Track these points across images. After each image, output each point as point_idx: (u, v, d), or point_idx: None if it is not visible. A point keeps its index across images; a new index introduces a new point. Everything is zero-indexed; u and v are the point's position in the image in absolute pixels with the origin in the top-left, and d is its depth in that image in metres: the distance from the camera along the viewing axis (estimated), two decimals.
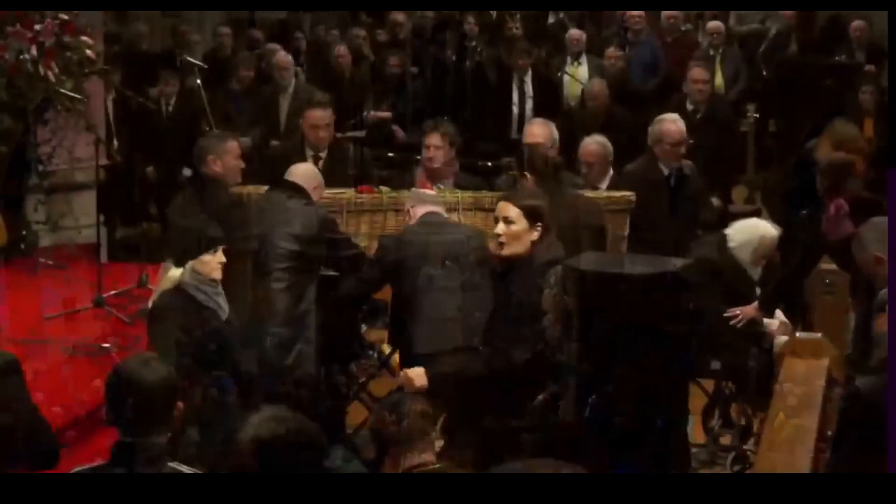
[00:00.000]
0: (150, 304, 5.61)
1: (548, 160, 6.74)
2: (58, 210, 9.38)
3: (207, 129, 8.53)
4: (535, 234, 5.28)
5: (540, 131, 7.39)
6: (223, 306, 5.49)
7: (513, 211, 5.30)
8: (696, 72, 9.87)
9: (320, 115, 7.62)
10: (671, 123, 7.76)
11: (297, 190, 6.29)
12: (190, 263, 5.46)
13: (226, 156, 6.53)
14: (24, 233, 9.08)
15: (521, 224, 5.28)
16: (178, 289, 5.41)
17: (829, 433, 4.55)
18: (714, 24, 12.18)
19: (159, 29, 12.72)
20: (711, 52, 11.77)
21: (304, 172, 6.48)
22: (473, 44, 12.72)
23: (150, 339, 5.54)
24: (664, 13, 12.29)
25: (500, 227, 5.31)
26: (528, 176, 6.57)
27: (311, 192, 6.35)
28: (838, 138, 8.70)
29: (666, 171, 7.68)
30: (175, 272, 5.46)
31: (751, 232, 6.88)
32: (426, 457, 4.24)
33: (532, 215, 5.30)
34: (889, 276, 5.21)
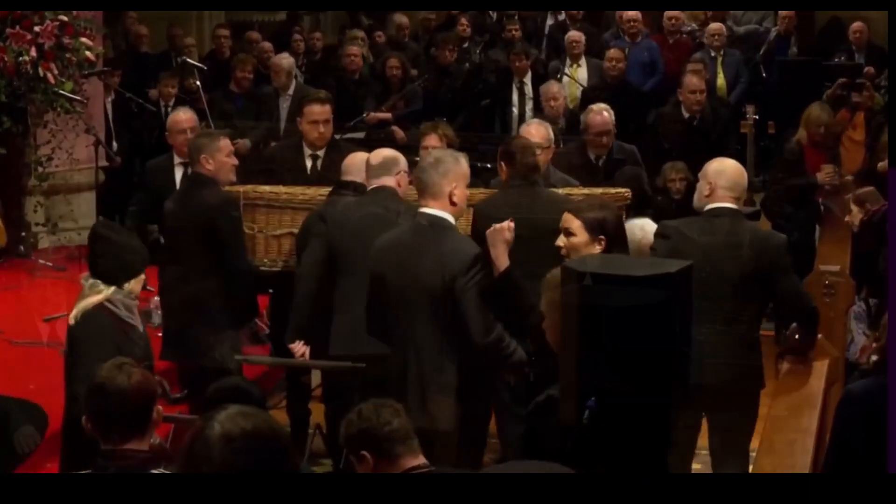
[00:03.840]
0: (71, 322, 5.09)
1: (523, 154, 6.23)
2: (57, 212, 9.39)
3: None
4: (596, 248, 4.97)
5: (536, 131, 7.36)
6: (139, 320, 5.17)
7: (574, 223, 5.03)
8: (692, 81, 9.62)
9: (319, 110, 7.48)
10: (596, 115, 7.92)
11: (392, 195, 5.91)
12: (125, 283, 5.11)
13: (218, 154, 6.49)
14: (23, 234, 9.09)
15: (581, 236, 5.00)
16: (102, 306, 5.03)
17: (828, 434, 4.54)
18: (715, 26, 12.12)
19: (160, 30, 12.71)
20: (713, 54, 11.75)
21: (383, 164, 6.02)
22: (466, 45, 12.72)
23: (76, 358, 5.04)
24: (666, 14, 12.27)
25: (561, 240, 5.05)
26: (504, 167, 6.19)
27: (396, 187, 5.95)
28: (815, 121, 8.80)
29: (593, 156, 7.90)
30: (98, 290, 5.05)
31: (632, 231, 6.86)
32: (422, 458, 4.19)
33: (594, 228, 5.00)
34: (889, 275, 5.20)
